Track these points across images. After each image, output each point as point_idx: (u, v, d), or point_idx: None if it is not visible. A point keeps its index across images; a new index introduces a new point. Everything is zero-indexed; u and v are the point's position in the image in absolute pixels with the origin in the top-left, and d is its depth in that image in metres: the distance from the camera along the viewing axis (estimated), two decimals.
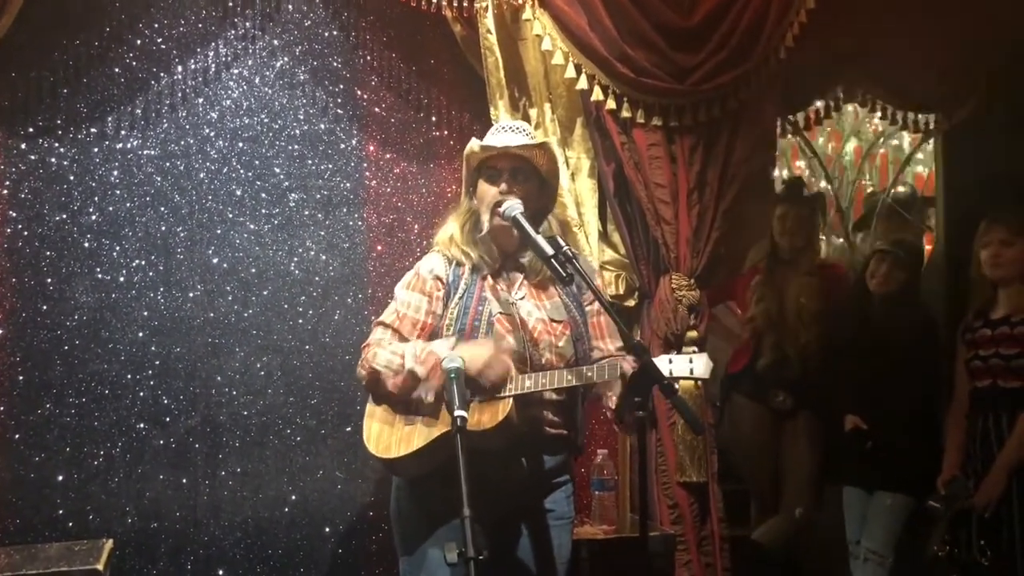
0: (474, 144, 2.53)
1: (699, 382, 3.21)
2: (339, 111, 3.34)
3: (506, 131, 2.58)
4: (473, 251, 2.52)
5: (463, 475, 2.00)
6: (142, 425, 3.14)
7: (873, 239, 5.06)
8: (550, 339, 2.49)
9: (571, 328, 2.53)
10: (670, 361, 2.49)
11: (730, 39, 3.20)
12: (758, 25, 3.22)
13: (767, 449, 4.11)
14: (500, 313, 2.47)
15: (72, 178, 3.12)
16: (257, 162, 3.27)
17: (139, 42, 3.17)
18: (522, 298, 2.53)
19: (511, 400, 2.35)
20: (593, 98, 3.18)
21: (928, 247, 5.12)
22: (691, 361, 2.49)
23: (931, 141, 4.70)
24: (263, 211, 3.27)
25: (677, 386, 3.07)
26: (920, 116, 4.01)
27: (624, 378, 2.37)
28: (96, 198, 3.14)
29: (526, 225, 2.41)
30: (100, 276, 3.13)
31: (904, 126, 4.07)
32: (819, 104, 3.96)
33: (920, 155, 5.44)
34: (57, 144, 3.11)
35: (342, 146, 3.35)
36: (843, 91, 3.87)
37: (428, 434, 2.38)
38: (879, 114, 4.04)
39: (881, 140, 5.67)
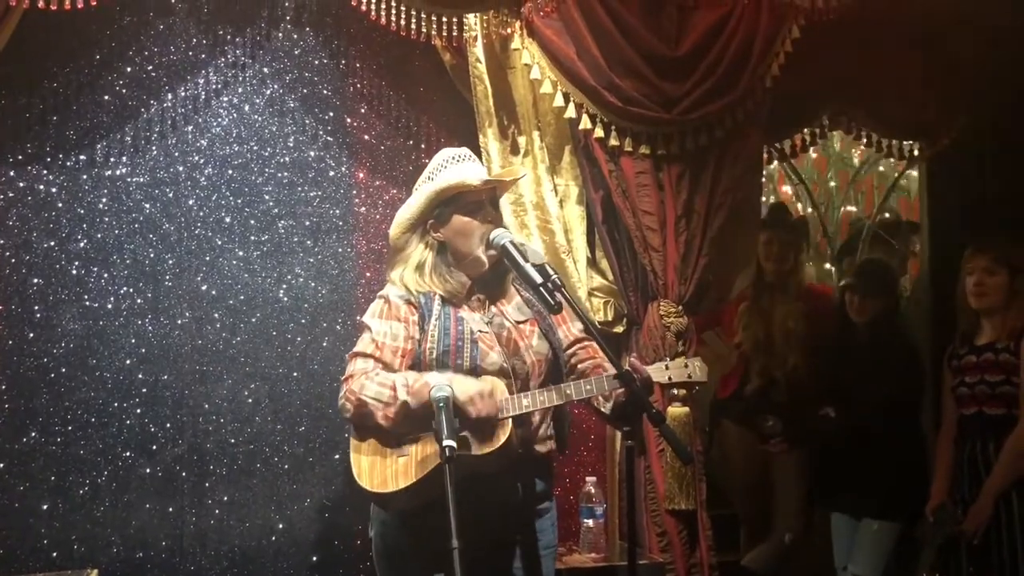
0: (469, 178, 2.47)
1: (690, 409, 3.23)
2: (329, 138, 3.36)
3: (464, 160, 2.56)
4: (442, 286, 2.49)
5: (452, 506, 1.99)
6: (128, 453, 3.12)
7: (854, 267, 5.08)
8: (524, 342, 2.49)
9: (538, 323, 2.53)
10: (667, 367, 2.50)
11: (717, 69, 3.23)
12: (744, 55, 3.25)
13: (756, 474, 4.11)
14: (480, 331, 2.47)
15: (60, 205, 3.12)
16: (246, 189, 3.27)
17: (129, 70, 3.18)
18: (494, 314, 2.53)
19: (510, 423, 2.34)
20: (581, 126, 3.20)
21: (913, 272, 5.17)
22: (687, 366, 2.50)
23: (916, 167, 4.75)
24: (252, 238, 3.27)
25: (681, 397, 3.11)
26: (904, 143, 4.06)
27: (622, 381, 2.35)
28: (84, 225, 3.14)
29: (514, 253, 2.42)
30: (88, 303, 3.12)
31: (889, 153, 4.12)
32: (805, 131, 3.99)
33: (904, 181, 5.50)
34: (46, 171, 3.11)
35: (331, 173, 3.36)
36: (829, 119, 3.91)
37: (425, 465, 2.34)
38: (864, 141, 4.07)
39: (866, 167, 5.73)
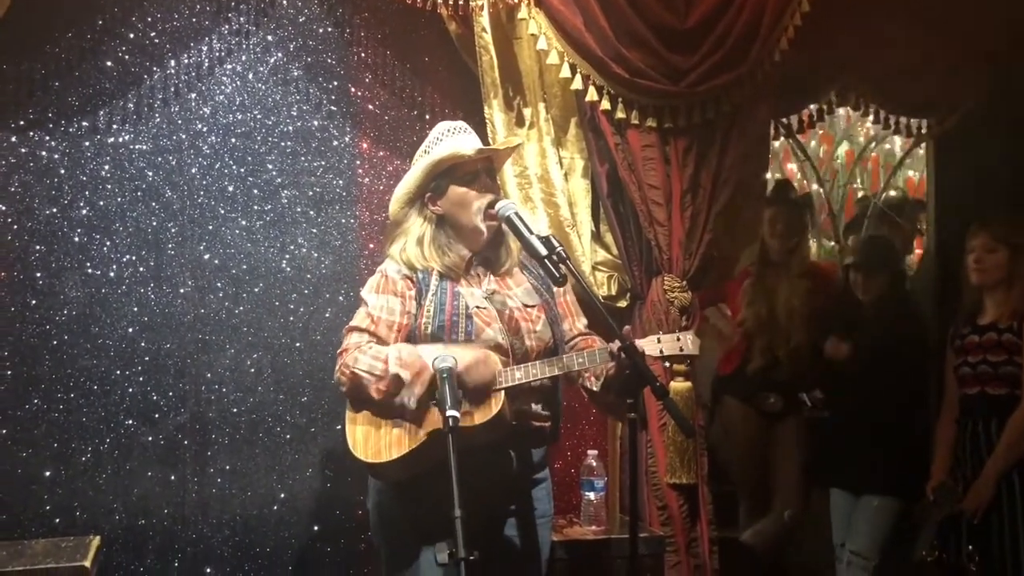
0: (462, 149, 2.47)
1: (691, 382, 3.23)
2: (332, 108, 3.33)
3: (459, 132, 2.55)
4: (440, 261, 2.48)
5: (454, 475, 1.99)
6: (131, 421, 3.13)
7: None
8: (528, 325, 2.48)
9: (545, 311, 2.53)
10: (659, 341, 2.49)
11: (725, 41, 3.19)
12: (753, 28, 3.21)
13: (757, 451, 4.12)
14: (477, 307, 2.46)
15: (63, 172, 3.10)
16: (249, 158, 3.25)
17: (132, 36, 3.15)
18: (494, 291, 2.52)
19: (503, 394, 2.34)
20: (588, 98, 3.17)
21: (919, 251, 5.15)
22: (679, 339, 2.50)
23: (923, 145, 4.72)
24: (255, 207, 3.25)
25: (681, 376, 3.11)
26: (913, 120, 4.02)
27: (614, 357, 2.36)
28: (87, 192, 3.12)
29: (520, 224, 2.41)
30: (90, 271, 3.11)
31: (896, 130, 4.08)
32: (812, 107, 3.95)
33: (910, 160, 5.47)
34: (48, 137, 3.09)
35: (335, 143, 3.34)
36: (836, 94, 3.87)
37: (418, 436, 2.35)
38: (872, 118, 4.04)
39: (873, 144, 5.69)
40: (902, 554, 3.61)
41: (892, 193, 5.45)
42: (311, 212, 3.30)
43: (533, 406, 2.48)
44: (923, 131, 4.07)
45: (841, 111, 4.81)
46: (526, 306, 2.51)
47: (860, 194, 5.77)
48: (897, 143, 5.51)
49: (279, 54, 3.28)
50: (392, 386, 2.34)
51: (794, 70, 3.43)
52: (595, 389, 2.51)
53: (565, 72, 3.15)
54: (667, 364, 3.10)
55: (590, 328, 2.66)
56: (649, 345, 2.48)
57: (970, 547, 3.25)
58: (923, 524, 3.43)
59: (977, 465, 3.28)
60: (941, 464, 3.43)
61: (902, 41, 3.60)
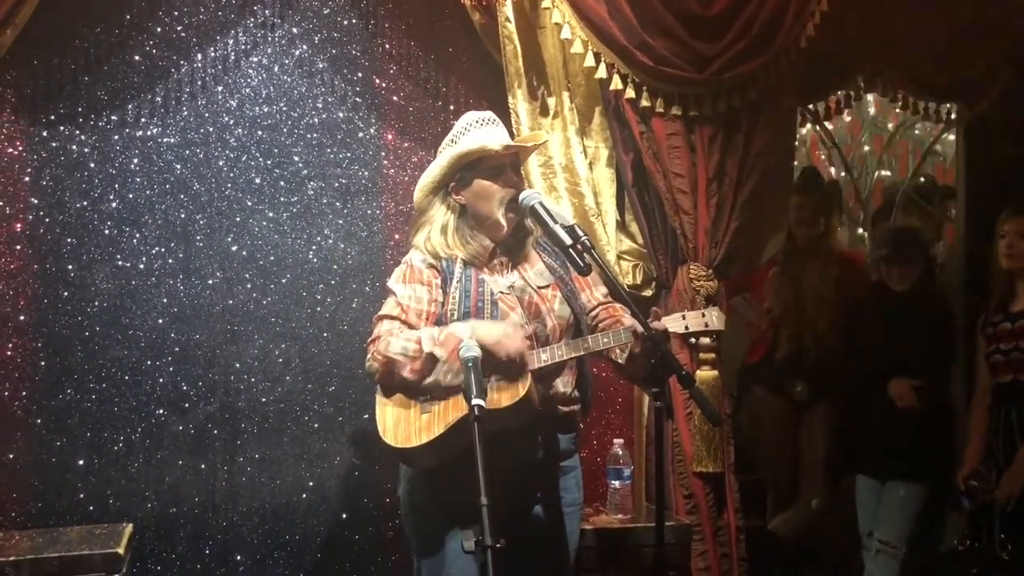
0: (489, 143, 2.47)
1: (718, 371, 3.23)
2: (357, 99, 3.35)
3: (487, 124, 2.55)
4: (464, 250, 2.50)
5: (480, 463, 2.00)
6: (161, 411, 3.17)
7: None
8: (546, 306, 2.49)
9: (560, 288, 2.53)
10: (683, 317, 2.50)
11: (750, 28, 3.18)
12: (779, 14, 3.20)
13: (784, 439, 4.10)
14: (501, 292, 2.48)
15: (92, 165, 3.14)
16: (276, 150, 3.28)
17: (159, 30, 3.18)
18: (516, 278, 2.53)
19: (529, 377, 2.35)
20: (612, 87, 3.17)
21: (948, 239, 5.10)
22: (704, 315, 2.51)
23: (952, 131, 4.66)
24: (282, 199, 3.28)
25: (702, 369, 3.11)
26: (942, 106, 3.98)
27: (638, 336, 2.36)
28: (116, 185, 3.16)
29: (544, 214, 2.41)
30: (120, 263, 3.15)
31: (925, 116, 4.04)
32: (839, 93, 3.92)
33: (939, 145, 5.41)
34: (78, 131, 3.13)
35: (360, 135, 3.35)
36: (864, 80, 3.84)
37: (448, 421, 2.36)
38: (900, 104, 4.00)
39: (901, 130, 5.63)
40: (932, 543, 3.58)
41: (921, 180, 5.39)
42: (337, 203, 3.32)
43: (561, 386, 2.49)
44: (952, 117, 4.03)
45: (869, 97, 4.77)
46: (540, 288, 2.52)
47: (888, 181, 5.71)
48: (926, 129, 5.45)
49: (304, 46, 3.30)
50: (426, 365, 2.36)
51: (820, 56, 3.40)
52: (621, 362, 2.51)
53: (589, 61, 3.14)
54: (694, 344, 3.09)
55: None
56: (674, 322, 2.48)
57: (1002, 536, 3.22)
58: (954, 512, 3.40)
59: (1010, 453, 3.24)
60: (973, 452, 3.39)
61: (930, 25, 3.56)
